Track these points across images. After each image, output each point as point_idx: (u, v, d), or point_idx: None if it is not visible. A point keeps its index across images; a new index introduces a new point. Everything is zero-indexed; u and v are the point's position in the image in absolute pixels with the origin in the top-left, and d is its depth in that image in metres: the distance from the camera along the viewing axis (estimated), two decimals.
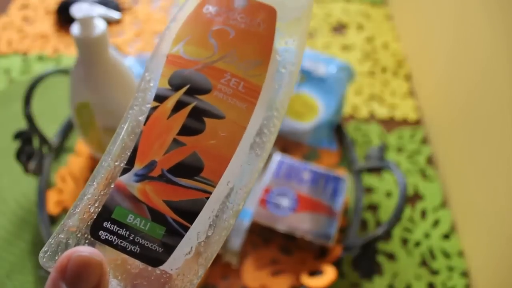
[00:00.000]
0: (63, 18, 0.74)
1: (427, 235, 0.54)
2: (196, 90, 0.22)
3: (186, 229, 0.20)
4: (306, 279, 0.47)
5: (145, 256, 0.20)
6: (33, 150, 0.51)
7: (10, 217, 0.52)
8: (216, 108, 0.21)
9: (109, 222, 0.20)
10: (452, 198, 0.56)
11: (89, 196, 0.21)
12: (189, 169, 0.21)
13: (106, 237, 0.20)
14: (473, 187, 0.52)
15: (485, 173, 0.49)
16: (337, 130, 0.62)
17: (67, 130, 0.59)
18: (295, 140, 0.60)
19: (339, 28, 0.78)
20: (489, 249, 0.48)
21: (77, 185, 0.54)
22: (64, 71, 0.52)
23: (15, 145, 0.51)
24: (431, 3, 0.65)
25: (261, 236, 0.51)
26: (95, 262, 0.18)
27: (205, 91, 0.22)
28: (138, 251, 0.20)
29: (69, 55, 0.70)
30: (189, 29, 0.23)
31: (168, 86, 0.22)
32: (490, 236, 0.48)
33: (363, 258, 0.47)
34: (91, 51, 0.43)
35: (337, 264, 0.48)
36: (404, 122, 0.65)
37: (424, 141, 0.63)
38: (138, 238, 0.20)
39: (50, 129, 0.58)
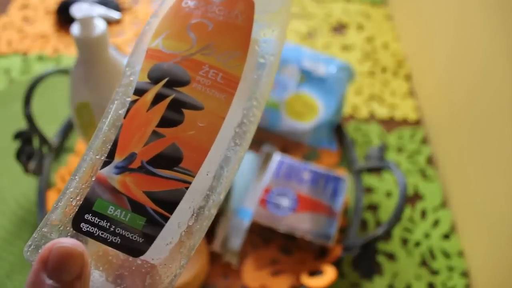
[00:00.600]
0: (63, 18, 0.74)
1: (427, 235, 0.54)
2: (175, 82, 0.22)
3: (166, 219, 0.20)
4: (306, 279, 0.47)
5: (126, 246, 0.20)
6: (33, 150, 0.51)
7: (10, 217, 0.52)
8: (195, 100, 0.22)
9: (90, 214, 0.21)
10: (452, 198, 0.56)
11: (71, 189, 0.21)
12: (168, 160, 0.21)
13: (88, 229, 0.20)
14: (473, 187, 0.52)
15: (485, 173, 0.49)
16: (337, 130, 0.62)
17: (67, 130, 0.59)
18: (295, 140, 0.60)
19: (339, 28, 0.78)
20: (489, 249, 0.48)
21: None
22: (64, 71, 0.52)
23: (15, 145, 0.51)
24: (431, 3, 0.65)
25: (261, 236, 0.51)
26: (76, 252, 0.18)
27: (184, 83, 0.22)
28: (119, 242, 0.20)
29: (69, 55, 0.70)
30: (168, 23, 0.24)
31: (147, 80, 0.22)
32: (490, 236, 0.48)
33: (363, 258, 0.47)
34: (91, 51, 0.43)
35: (337, 264, 0.48)
36: (404, 122, 0.65)
37: (424, 141, 0.63)
38: (119, 229, 0.20)
39: (50, 129, 0.58)
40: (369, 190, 0.57)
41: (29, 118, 0.51)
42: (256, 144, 0.59)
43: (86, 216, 0.21)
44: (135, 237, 0.20)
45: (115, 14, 0.45)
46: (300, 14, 0.80)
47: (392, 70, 0.72)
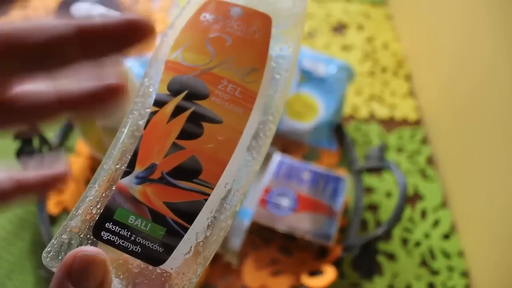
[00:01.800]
0: (63, 18, 0.74)
1: (427, 235, 0.54)
2: (194, 95, 0.22)
3: (186, 229, 0.21)
4: (306, 279, 0.47)
5: (146, 255, 0.21)
6: (33, 150, 0.51)
7: (10, 217, 0.52)
8: (214, 113, 0.22)
9: (111, 223, 0.21)
10: (452, 198, 0.56)
11: (91, 198, 0.22)
12: (188, 171, 0.21)
13: (108, 237, 0.21)
14: (473, 187, 0.52)
15: (485, 173, 0.49)
16: (337, 130, 0.62)
17: (67, 130, 0.59)
18: (295, 140, 0.60)
19: (339, 28, 0.78)
20: (489, 249, 0.48)
21: (77, 185, 0.54)
22: None
23: (15, 145, 0.51)
24: (431, 3, 0.65)
25: (261, 236, 0.51)
26: (100, 260, 0.19)
27: (203, 96, 0.22)
28: (139, 251, 0.21)
29: None
30: (187, 36, 0.24)
31: (167, 92, 0.23)
32: (490, 236, 0.48)
33: (363, 258, 0.47)
34: None
35: (337, 264, 0.48)
36: (404, 122, 0.65)
37: (424, 141, 0.63)
38: (139, 238, 0.21)
39: (50, 129, 0.58)
40: (369, 190, 0.57)
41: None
42: None
43: (107, 224, 0.21)
44: (155, 247, 0.21)
45: (115, 14, 0.45)
46: None
47: (392, 70, 0.72)
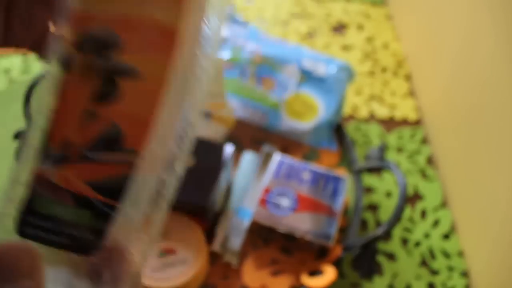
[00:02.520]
0: None
1: (427, 235, 0.54)
2: (103, 47, 0.19)
3: (116, 208, 0.18)
4: (306, 279, 0.47)
5: (76, 246, 0.18)
6: None
7: None
8: (129, 65, 0.19)
9: (33, 216, 0.19)
10: (452, 198, 0.56)
11: (11, 193, 0.19)
12: (108, 142, 0.19)
13: (33, 232, 0.19)
14: (473, 187, 0.52)
15: (485, 173, 0.49)
16: (337, 130, 0.62)
17: None
18: (295, 140, 0.60)
19: (339, 28, 0.78)
20: (489, 249, 0.48)
21: None
22: None
23: (15, 145, 0.51)
24: (431, 3, 0.65)
25: (261, 236, 0.51)
26: (24, 249, 0.17)
27: (114, 47, 0.19)
28: (67, 242, 0.18)
29: None
30: None
31: (73, 50, 0.19)
32: (490, 236, 0.48)
33: (363, 258, 0.47)
34: None
35: (337, 264, 0.48)
36: (404, 122, 0.65)
37: (424, 141, 0.63)
38: (66, 227, 0.18)
39: None
40: (369, 190, 0.57)
41: (29, 118, 0.51)
42: (256, 144, 0.59)
43: (29, 218, 0.19)
44: (84, 234, 0.18)
45: None
46: (300, 14, 0.80)
47: (392, 70, 0.72)
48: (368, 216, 0.55)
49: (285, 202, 0.50)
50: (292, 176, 0.52)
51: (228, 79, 0.59)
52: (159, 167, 0.19)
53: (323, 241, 0.48)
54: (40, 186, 0.19)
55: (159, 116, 0.18)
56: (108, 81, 0.19)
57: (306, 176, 0.53)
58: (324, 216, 0.50)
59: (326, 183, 0.52)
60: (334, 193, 0.52)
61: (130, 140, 0.19)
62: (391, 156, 0.61)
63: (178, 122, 0.19)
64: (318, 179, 0.52)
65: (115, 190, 0.18)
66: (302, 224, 0.49)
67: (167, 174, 0.19)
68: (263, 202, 0.50)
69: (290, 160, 0.54)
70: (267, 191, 0.51)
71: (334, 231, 0.49)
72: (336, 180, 0.53)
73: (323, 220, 0.49)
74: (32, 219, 0.19)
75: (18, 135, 0.50)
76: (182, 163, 0.19)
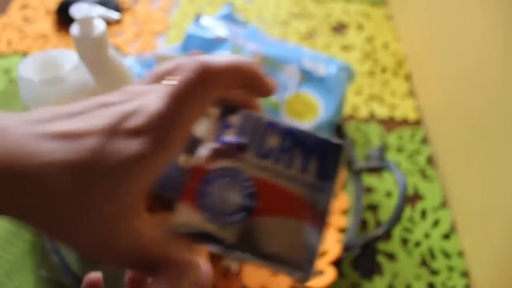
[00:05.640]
0: (63, 18, 0.74)
1: (427, 235, 0.54)
2: None
3: None
4: None
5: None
6: None
7: None
8: None
9: None
10: (452, 198, 0.56)
11: None
12: None
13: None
14: (473, 187, 0.52)
15: (485, 173, 0.49)
16: (337, 130, 0.62)
17: None
18: None
19: (339, 28, 0.78)
20: (489, 249, 0.48)
21: None
22: None
23: None
24: (431, 3, 0.65)
25: None
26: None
27: None
28: None
29: None
30: None
31: None
32: (490, 236, 0.48)
33: (363, 258, 0.47)
34: (91, 51, 0.43)
35: (337, 264, 0.48)
36: (404, 122, 0.65)
37: (424, 141, 0.63)
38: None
39: None
40: (369, 190, 0.57)
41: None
42: None
43: None
44: None
45: (114, 15, 0.45)
46: (300, 14, 0.80)
47: (392, 70, 0.72)
48: (368, 216, 0.55)
49: (232, 195, 0.23)
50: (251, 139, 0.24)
51: None
52: None
53: (296, 278, 0.23)
54: None
55: None
56: None
57: (274, 141, 0.24)
58: (300, 222, 0.24)
59: (306, 156, 0.24)
60: (321, 174, 0.24)
61: None
62: (391, 156, 0.61)
63: None
64: (293, 149, 0.24)
65: None
66: (264, 241, 0.23)
67: None
68: (190, 195, 0.23)
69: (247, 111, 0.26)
70: (199, 173, 0.23)
71: (315, 255, 0.24)
72: (325, 148, 0.24)
73: (299, 230, 0.24)
74: None
75: None
76: None
